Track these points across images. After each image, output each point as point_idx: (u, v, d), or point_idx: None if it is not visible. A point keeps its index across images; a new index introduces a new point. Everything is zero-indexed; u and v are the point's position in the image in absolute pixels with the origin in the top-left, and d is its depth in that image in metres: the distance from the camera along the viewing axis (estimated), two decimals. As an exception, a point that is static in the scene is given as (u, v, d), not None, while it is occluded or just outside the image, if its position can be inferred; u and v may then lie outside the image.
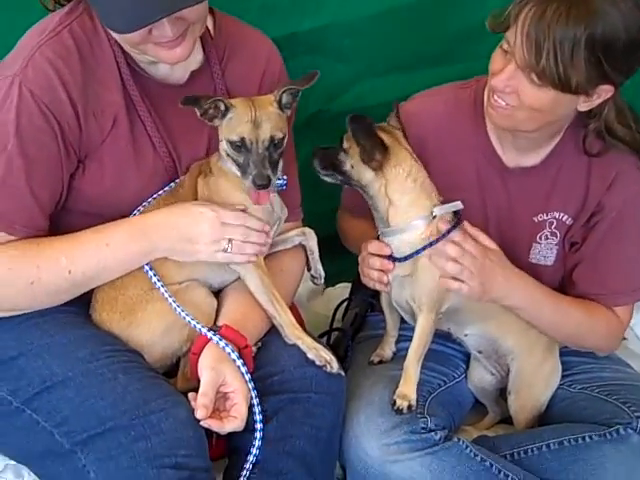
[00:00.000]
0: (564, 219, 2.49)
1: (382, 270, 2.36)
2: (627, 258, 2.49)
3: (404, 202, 2.30)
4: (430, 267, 2.29)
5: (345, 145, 2.35)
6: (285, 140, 2.16)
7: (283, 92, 2.15)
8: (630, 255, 2.49)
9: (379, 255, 2.35)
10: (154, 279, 2.15)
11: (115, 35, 2.09)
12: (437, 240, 2.27)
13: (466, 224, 2.34)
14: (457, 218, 2.33)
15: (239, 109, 2.13)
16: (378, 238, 2.37)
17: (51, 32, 2.08)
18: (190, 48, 2.10)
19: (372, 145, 2.28)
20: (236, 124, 2.12)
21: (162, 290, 2.14)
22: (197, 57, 2.26)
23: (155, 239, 2.13)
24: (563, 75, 2.13)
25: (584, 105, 2.27)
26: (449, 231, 2.28)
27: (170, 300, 2.14)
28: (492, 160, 2.49)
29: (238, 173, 2.15)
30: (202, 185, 2.24)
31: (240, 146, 2.11)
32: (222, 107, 2.13)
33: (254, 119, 2.11)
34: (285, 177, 2.28)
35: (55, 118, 2.05)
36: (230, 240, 2.11)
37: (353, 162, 2.33)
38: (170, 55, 2.07)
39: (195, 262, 2.18)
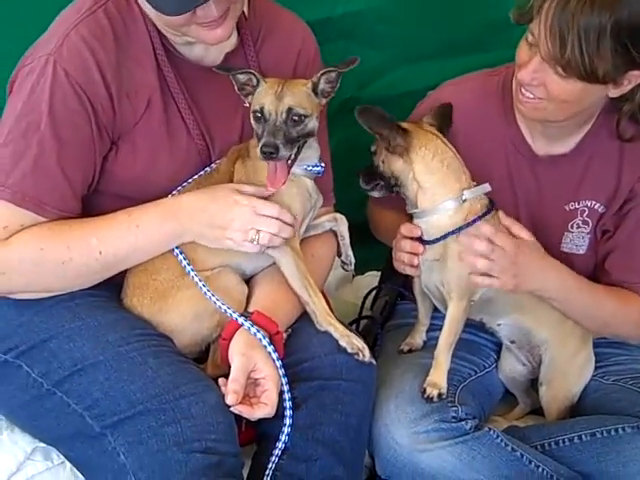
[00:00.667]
0: (596, 207, 2.46)
1: (412, 253, 2.35)
2: None
3: (431, 183, 2.30)
4: (455, 250, 2.28)
5: (372, 149, 2.37)
6: (308, 120, 2.13)
7: (322, 75, 2.15)
8: None
9: (410, 237, 2.35)
10: (184, 262, 2.15)
11: (155, 17, 2.08)
12: (467, 225, 2.26)
13: (501, 214, 2.33)
14: (491, 206, 2.31)
15: (268, 83, 2.15)
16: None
17: (86, 11, 2.07)
18: (231, 28, 2.10)
19: (389, 130, 2.28)
20: (261, 96, 2.14)
21: (192, 274, 2.14)
22: (232, 39, 2.24)
23: (186, 222, 2.12)
24: (589, 66, 2.10)
25: (615, 92, 2.24)
26: (480, 217, 2.27)
27: (200, 284, 2.13)
28: (521, 148, 2.47)
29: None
30: (239, 169, 2.23)
31: (260, 117, 2.11)
32: (254, 80, 2.15)
33: (278, 92, 2.12)
34: (323, 164, 2.27)
35: (89, 99, 2.04)
36: (259, 231, 2.10)
37: (382, 158, 2.34)
38: (212, 35, 2.06)
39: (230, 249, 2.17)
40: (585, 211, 2.46)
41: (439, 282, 2.34)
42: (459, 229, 2.27)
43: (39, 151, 2.02)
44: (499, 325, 2.50)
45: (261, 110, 2.11)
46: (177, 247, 2.16)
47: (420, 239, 2.33)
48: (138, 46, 2.13)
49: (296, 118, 2.10)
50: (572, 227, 2.48)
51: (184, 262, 2.15)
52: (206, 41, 2.10)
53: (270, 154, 2.06)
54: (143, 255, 2.15)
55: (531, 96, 2.26)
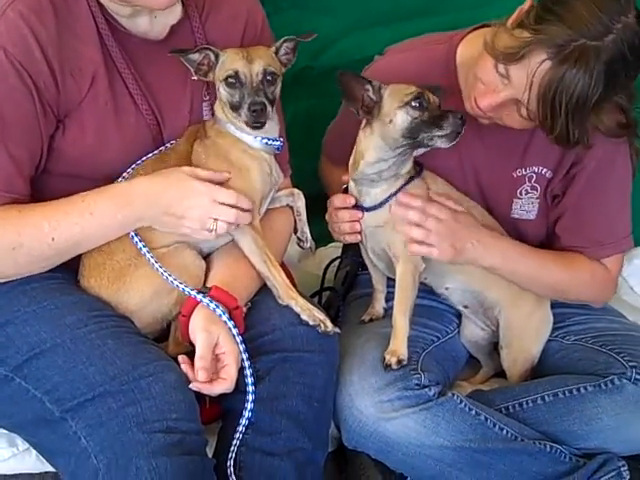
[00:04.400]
0: (544, 172, 2.44)
1: (353, 220, 2.36)
2: (608, 209, 2.45)
3: None
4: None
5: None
6: (278, 80, 2.16)
7: (284, 42, 2.19)
8: (611, 206, 2.45)
9: (346, 208, 2.36)
10: (139, 244, 2.13)
11: None
12: (398, 191, 2.30)
13: (432, 193, 2.34)
14: (415, 171, 2.34)
15: (230, 52, 2.15)
16: (345, 191, 2.39)
17: None
18: (179, 6, 2.09)
19: None
20: (229, 63, 2.14)
21: (148, 256, 2.12)
22: (176, 9, 2.20)
23: (141, 209, 2.10)
24: (574, 139, 2.10)
25: None
26: (406, 183, 2.30)
27: (156, 265, 2.11)
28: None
29: (233, 114, 2.15)
30: (198, 149, 2.22)
31: (234, 82, 2.11)
32: (212, 56, 2.15)
33: (246, 56, 2.13)
34: (281, 138, 2.27)
35: (30, 77, 2.00)
36: (216, 220, 2.08)
37: None
38: (159, 0, 2.03)
39: None
40: (533, 177, 2.44)
41: (386, 245, 2.35)
42: (393, 194, 2.29)
43: None
44: (447, 289, 2.50)
45: (236, 74, 2.11)
46: None
47: (356, 206, 2.35)
48: (80, 21, 2.08)
49: (270, 78, 2.13)
50: (521, 193, 2.47)
51: (140, 244, 2.13)
52: (155, 6, 2.05)
53: (261, 111, 2.09)
54: (97, 241, 2.13)
55: (482, 115, 2.24)
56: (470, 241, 2.31)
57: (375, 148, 2.25)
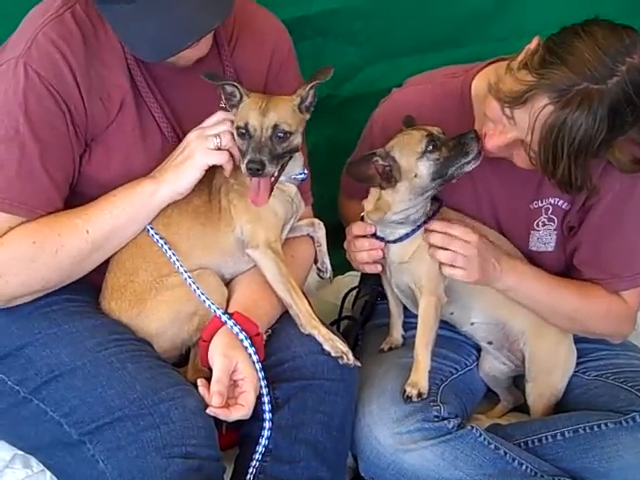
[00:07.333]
0: (560, 204, 2.41)
1: (373, 249, 2.35)
2: (627, 242, 2.41)
3: None
4: (424, 248, 2.30)
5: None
6: (293, 137, 2.11)
7: (310, 88, 2.14)
8: (629, 239, 2.41)
9: (365, 236, 2.35)
10: (169, 252, 2.13)
11: None
12: (424, 222, 2.31)
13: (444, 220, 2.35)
14: (438, 203, 2.36)
15: (252, 98, 2.13)
16: (362, 219, 2.38)
17: (53, 14, 2.05)
18: (209, 43, 2.11)
19: None
20: (245, 111, 2.12)
21: (177, 264, 2.13)
22: (207, 42, 2.19)
23: (158, 175, 2.12)
24: (576, 183, 2.09)
25: None
26: (429, 218, 2.32)
27: (185, 275, 2.12)
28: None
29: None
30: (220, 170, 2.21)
31: (244, 133, 2.09)
32: (237, 94, 2.14)
33: (262, 108, 2.10)
34: (306, 171, 2.27)
35: (63, 100, 2.03)
36: (217, 135, 2.10)
37: None
38: (193, 53, 2.06)
39: (209, 250, 2.18)
40: (550, 209, 2.42)
41: (411, 281, 2.35)
42: (417, 227, 2.31)
43: (21, 155, 2.01)
44: (472, 324, 2.49)
45: (245, 126, 2.09)
46: (161, 238, 2.15)
47: (376, 236, 2.35)
48: (108, 49, 2.11)
49: (281, 135, 2.08)
50: (538, 225, 2.45)
51: (169, 252, 2.14)
52: (188, 58, 2.09)
53: (256, 170, 2.04)
54: (129, 223, 2.13)
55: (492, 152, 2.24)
56: (490, 261, 2.30)
57: (403, 201, 2.26)
